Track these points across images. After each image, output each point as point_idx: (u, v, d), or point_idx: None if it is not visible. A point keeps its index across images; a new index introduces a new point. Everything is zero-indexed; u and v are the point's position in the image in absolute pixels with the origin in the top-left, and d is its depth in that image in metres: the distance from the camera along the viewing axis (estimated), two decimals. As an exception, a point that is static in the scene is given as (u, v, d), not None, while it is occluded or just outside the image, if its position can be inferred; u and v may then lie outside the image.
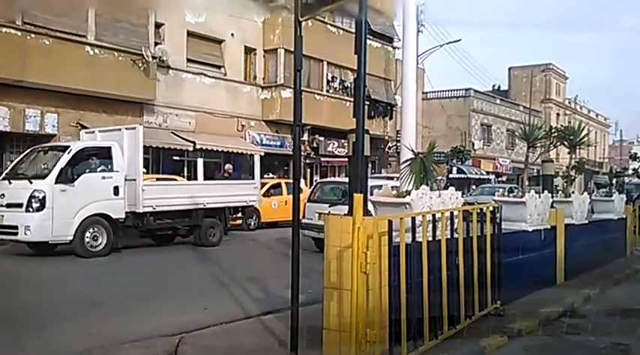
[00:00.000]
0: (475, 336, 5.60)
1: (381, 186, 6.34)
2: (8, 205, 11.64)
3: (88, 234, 11.80)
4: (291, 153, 25.16)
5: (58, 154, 12.22)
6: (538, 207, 8.27)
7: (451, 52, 40.60)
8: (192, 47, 21.70)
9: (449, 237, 5.53)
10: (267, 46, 24.35)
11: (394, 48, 30.96)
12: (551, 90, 54.66)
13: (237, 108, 23.17)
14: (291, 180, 21.98)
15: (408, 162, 5.97)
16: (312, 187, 16.94)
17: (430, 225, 5.26)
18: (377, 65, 28.96)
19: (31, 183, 11.57)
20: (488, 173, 41.91)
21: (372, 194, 6.04)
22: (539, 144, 9.02)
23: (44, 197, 11.36)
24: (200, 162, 16.75)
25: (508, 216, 7.37)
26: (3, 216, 11.61)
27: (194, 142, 19.93)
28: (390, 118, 30.25)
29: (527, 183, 9.90)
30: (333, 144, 26.98)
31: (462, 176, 37.33)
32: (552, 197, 9.09)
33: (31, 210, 11.32)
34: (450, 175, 35.75)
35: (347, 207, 4.75)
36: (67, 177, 11.77)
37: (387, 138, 30.65)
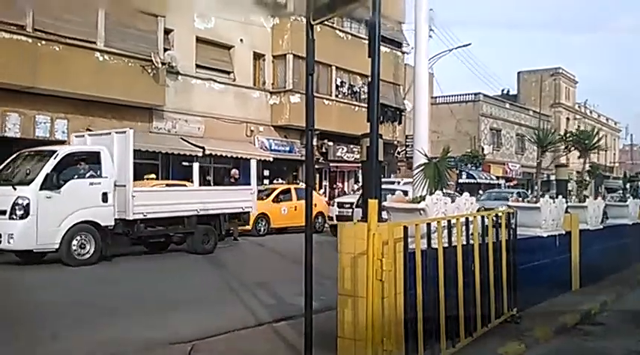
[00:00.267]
0: (492, 344, 5.50)
1: (394, 191, 6.24)
2: None
3: (75, 242, 11.37)
4: (300, 158, 25.42)
5: (44, 159, 11.74)
6: (553, 213, 8.16)
7: (460, 56, 40.40)
8: (202, 53, 21.72)
9: (464, 243, 5.44)
10: (275, 51, 24.35)
11: (403, 53, 30.92)
12: (560, 95, 54.40)
13: (246, 113, 23.16)
14: (300, 186, 22.04)
15: (422, 167, 5.88)
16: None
17: (445, 231, 5.16)
18: (386, 70, 28.83)
19: (14, 189, 11.13)
20: (497, 178, 41.69)
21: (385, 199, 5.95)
22: (552, 149, 8.86)
23: (28, 204, 10.94)
24: (196, 166, 15.99)
25: (523, 222, 7.27)
26: None
27: (203, 148, 19.88)
28: (399, 123, 30.15)
29: (537, 188, 9.73)
30: (342, 149, 26.91)
31: (472, 181, 37.13)
32: (566, 202, 8.97)
33: (14, 217, 10.88)
34: (460, 180, 35.56)
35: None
36: (52, 183, 11.35)
37: (396, 143, 30.55)
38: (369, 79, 4.34)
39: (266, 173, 24.03)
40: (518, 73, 56.06)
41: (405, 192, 6.11)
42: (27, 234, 10.90)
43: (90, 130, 17.78)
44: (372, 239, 4.20)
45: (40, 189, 11.17)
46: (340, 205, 18.76)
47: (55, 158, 11.59)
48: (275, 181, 21.63)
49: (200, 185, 19.12)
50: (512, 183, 42.71)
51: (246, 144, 22.77)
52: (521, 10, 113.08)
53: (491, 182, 39.58)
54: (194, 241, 13.66)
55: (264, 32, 24.13)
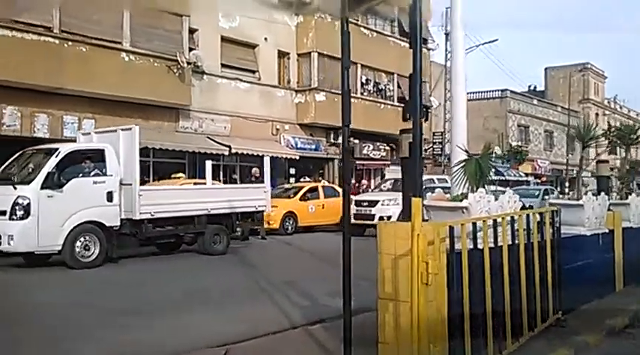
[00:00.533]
0: (540, 349, 5.22)
1: (434, 188, 5.98)
2: None
3: (78, 244, 10.87)
4: (326, 156, 25.22)
5: (46, 157, 11.24)
6: (596, 210, 7.80)
7: (485, 53, 39.89)
8: (227, 52, 21.65)
9: (510, 243, 5.17)
10: (300, 49, 24.20)
11: (428, 49, 30.50)
12: (589, 90, 53.38)
13: (271, 112, 23.05)
14: (327, 184, 21.83)
15: (462, 164, 5.62)
16: None
17: (490, 231, 4.91)
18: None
19: (15, 188, 10.64)
20: (526, 175, 40.97)
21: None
22: (593, 144, 8.51)
23: (29, 204, 10.45)
24: (208, 164, 15.04)
25: (565, 220, 6.94)
26: None
27: (229, 146, 19.87)
28: (426, 120, 29.61)
29: (566, 185, 9.38)
30: (368, 147, 26.65)
31: (501, 178, 36.50)
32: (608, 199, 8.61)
33: (14, 217, 10.38)
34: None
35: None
36: (54, 181, 10.85)
37: (423, 140, 30.18)
38: (411, 73, 4.09)
39: (292, 171, 23.91)
40: (546, 68, 55.18)
41: (445, 190, 5.84)
42: (28, 235, 10.42)
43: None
44: (416, 240, 3.97)
45: (41, 188, 10.69)
46: (358, 204, 17.89)
47: (56, 156, 11.10)
48: (302, 179, 21.45)
49: (226, 184, 19.09)
50: (540, 180, 41.98)
51: (272, 142, 22.68)
52: (547, 9, 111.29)
53: (520, 179, 38.89)
54: (205, 241, 13.12)
55: (289, 30, 23.99)
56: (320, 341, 5.72)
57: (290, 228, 18.31)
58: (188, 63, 19.04)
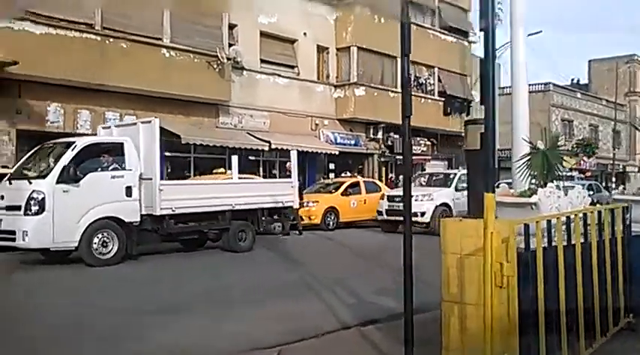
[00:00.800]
0: (616, 356, 4.85)
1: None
2: (8, 208, 10.45)
3: (95, 240, 10.53)
4: (366, 151, 24.87)
5: (62, 151, 10.88)
6: (663, 206, 7.33)
7: (528, 45, 38.69)
8: (266, 47, 21.53)
9: (582, 241, 4.80)
10: (339, 44, 23.93)
11: (470, 42, 29.86)
12: (636, 83, 51.66)
13: (310, 107, 22.84)
14: (369, 179, 21.54)
15: (528, 157, 5.27)
16: None
17: (563, 228, 4.56)
18: (452, 60, 28.01)
19: (30, 183, 10.35)
20: (571, 170, 39.86)
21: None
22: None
23: (43, 198, 10.10)
24: (234, 159, 14.63)
25: (634, 217, 6.52)
26: (2, 219, 10.44)
27: (269, 142, 19.74)
28: (467, 114, 29.14)
29: (612, 180, 8.87)
30: (409, 142, 26.16)
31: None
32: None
33: (29, 213, 10.07)
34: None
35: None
36: (69, 176, 10.44)
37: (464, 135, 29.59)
38: (483, 56, 3.78)
39: (331, 167, 23.68)
40: (590, 61, 53.66)
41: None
42: (42, 231, 10.07)
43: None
44: (489, 238, 3.65)
45: (57, 182, 10.32)
46: (391, 199, 17.07)
47: (73, 149, 10.71)
48: (343, 174, 21.19)
49: (265, 179, 18.94)
50: (585, 175, 40.82)
51: (312, 137, 22.49)
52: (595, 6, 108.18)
53: (564, 174, 37.85)
54: (229, 238, 12.64)
55: (328, 25, 23.74)
56: (375, 343, 5.46)
57: (331, 223, 18.05)
58: (228, 58, 18.98)
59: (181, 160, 19.07)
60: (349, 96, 23.71)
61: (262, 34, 21.27)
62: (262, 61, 21.37)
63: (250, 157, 20.37)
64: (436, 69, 26.86)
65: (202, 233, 12.90)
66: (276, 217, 14.10)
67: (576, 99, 44.44)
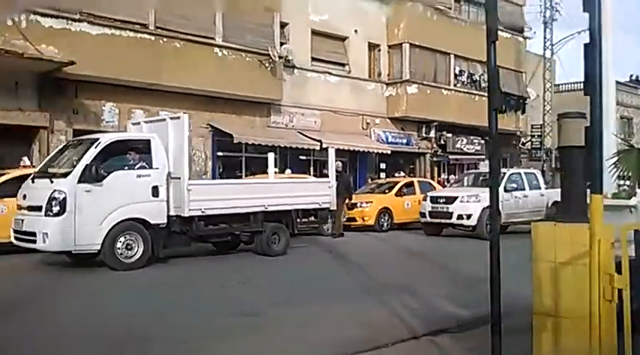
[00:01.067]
0: None
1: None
2: (29, 208, 10.00)
3: (119, 243, 9.93)
4: (417, 151, 24.35)
5: (86, 148, 10.23)
6: None
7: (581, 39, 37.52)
8: (317, 46, 21.30)
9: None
10: (391, 41, 23.50)
11: (525, 38, 28.97)
12: (699, 78, 49.24)
13: (361, 106, 22.50)
14: (423, 179, 21.04)
15: (620, 155, 4.82)
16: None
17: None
18: (507, 57, 27.13)
19: (52, 182, 9.78)
20: (630, 170, 38.39)
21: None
22: None
23: (65, 198, 9.51)
24: (271, 156, 14.06)
25: None
26: (23, 220, 9.97)
27: (320, 141, 19.49)
28: (523, 112, 28.29)
29: None
30: (462, 140, 25.57)
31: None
32: None
33: (50, 214, 9.52)
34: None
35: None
36: (92, 175, 9.79)
37: (519, 133, 28.72)
38: (587, 42, 3.38)
39: (382, 166, 23.29)
40: (649, 56, 51.48)
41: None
42: (63, 232, 9.49)
43: (210, 125, 17.96)
44: (596, 246, 3.28)
45: (79, 181, 9.70)
46: (434, 200, 16.34)
47: (96, 147, 10.06)
48: (397, 174, 20.72)
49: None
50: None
51: (363, 137, 22.16)
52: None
53: (622, 175, 36.47)
54: (262, 241, 11.94)
55: (379, 22, 23.35)
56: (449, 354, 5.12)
57: (385, 224, 17.62)
58: (279, 57, 18.81)
59: (233, 160, 19.02)
60: (401, 94, 23.25)
61: (313, 32, 21.05)
62: (313, 59, 21.15)
63: (301, 157, 20.19)
64: (490, 66, 26.10)
65: (234, 235, 12.30)
66: (312, 219, 13.45)
67: (636, 96, 42.64)
